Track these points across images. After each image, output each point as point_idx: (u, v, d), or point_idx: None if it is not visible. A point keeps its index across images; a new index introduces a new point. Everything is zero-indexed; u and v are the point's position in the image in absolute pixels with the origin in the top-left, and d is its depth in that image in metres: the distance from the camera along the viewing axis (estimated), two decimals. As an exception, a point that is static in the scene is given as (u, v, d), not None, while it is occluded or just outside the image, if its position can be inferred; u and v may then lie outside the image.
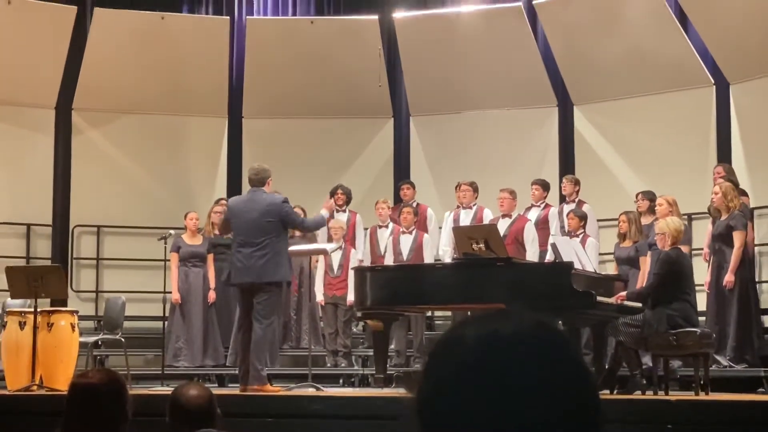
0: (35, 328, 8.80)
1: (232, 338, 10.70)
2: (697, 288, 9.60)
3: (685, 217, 10.21)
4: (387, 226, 11.26)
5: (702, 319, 9.21)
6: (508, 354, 1.22)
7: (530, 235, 10.54)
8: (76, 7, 12.65)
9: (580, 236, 10.16)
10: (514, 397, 1.20)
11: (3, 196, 12.51)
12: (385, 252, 11.05)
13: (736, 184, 9.82)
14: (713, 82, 11.69)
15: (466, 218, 11.10)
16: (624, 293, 8.29)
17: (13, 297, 9.49)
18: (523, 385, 1.20)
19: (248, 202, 8.72)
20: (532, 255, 10.33)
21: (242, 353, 8.69)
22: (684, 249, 9.45)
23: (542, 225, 10.83)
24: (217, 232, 11.25)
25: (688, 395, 7.88)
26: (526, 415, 1.19)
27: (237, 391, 8.61)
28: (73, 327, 9.09)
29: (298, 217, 8.99)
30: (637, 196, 10.46)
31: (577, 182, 11.19)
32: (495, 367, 1.21)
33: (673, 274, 7.95)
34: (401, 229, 11.00)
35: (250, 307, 8.59)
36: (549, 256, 9.85)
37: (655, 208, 9.83)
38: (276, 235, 8.53)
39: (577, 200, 11.04)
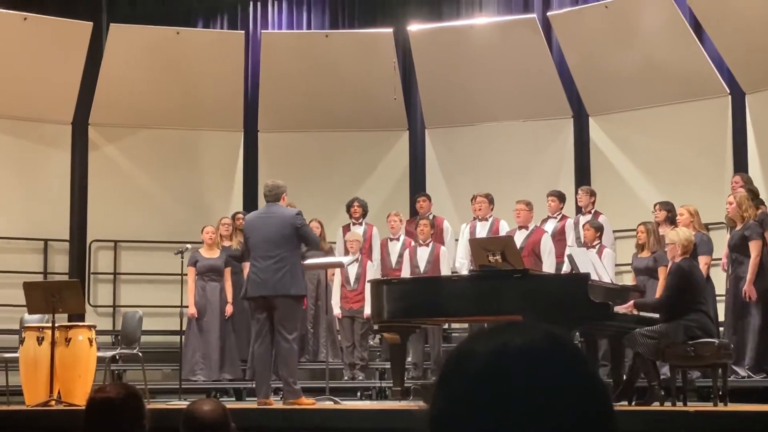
0: (53, 343, 8.82)
1: (250, 350, 10.74)
2: (717, 298, 9.59)
3: (705, 227, 10.15)
4: (398, 239, 11.26)
5: (720, 329, 9.17)
6: (519, 366, 1.21)
7: (547, 247, 10.52)
8: (91, 23, 12.72)
9: (597, 247, 10.14)
10: (525, 409, 1.19)
11: (20, 212, 12.57)
12: (397, 264, 11.06)
13: (756, 193, 9.77)
14: (729, 92, 11.66)
15: (482, 230, 11.09)
16: (632, 302, 8.25)
17: (30, 312, 9.51)
18: (534, 397, 1.19)
19: (264, 216, 8.75)
20: (548, 266, 10.31)
21: (260, 367, 8.70)
22: (705, 259, 9.43)
23: (558, 236, 10.81)
24: (225, 243, 11.33)
25: (707, 406, 7.85)
26: (538, 427, 1.19)
27: (255, 405, 8.61)
28: (90, 342, 9.11)
29: (312, 232, 9.00)
30: (654, 206, 10.43)
31: (592, 193, 11.17)
32: (505, 380, 1.21)
33: (686, 285, 7.91)
34: (414, 242, 10.99)
35: (267, 321, 8.60)
36: (566, 268, 9.84)
37: (677, 218, 9.79)
38: (291, 249, 8.56)
39: (593, 211, 11.02)
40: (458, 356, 1.27)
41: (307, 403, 8.47)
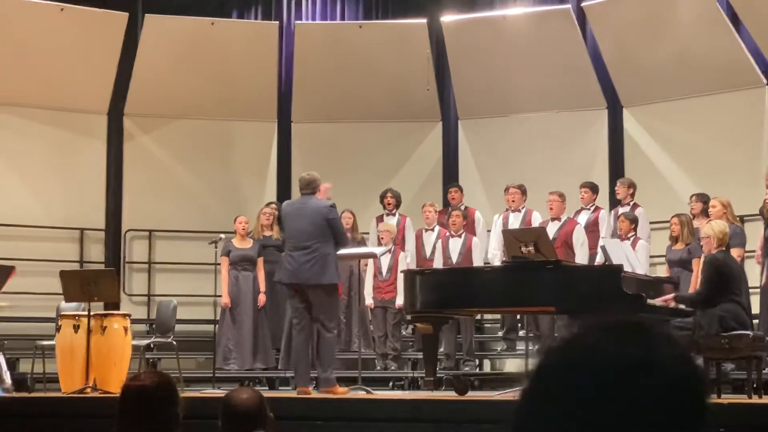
0: (89, 331, 8.91)
1: (284, 340, 10.78)
2: (751, 291, 9.52)
3: (738, 219, 10.09)
4: (433, 230, 11.28)
5: (755, 322, 9.11)
6: (642, 387, 1.11)
7: (580, 238, 10.49)
8: (127, 14, 12.78)
9: (632, 239, 10.10)
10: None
11: (57, 201, 12.68)
12: (431, 255, 11.07)
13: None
14: (766, 82, 11.56)
15: (515, 221, 11.07)
16: (672, 295, 8.22)
17: (67, 300, 9.61)
18: (647, 421, 1.10)
19: (299, 207, 8.91)
20: (581, 258, 10.28)
21: (299, 356, 8.80)
22: (738, 252, 9.36)
23: (592, 228, 10.77)
24: (266, 233, 11.37)
25: (741, 398, 7.81)
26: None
27: (288, 394, 8.66)
28: (125, 330, 9.18)
29: (342, 226, 9.16)
30: (690, 198, 10.38)
31: (631, 185, 11.08)
32: (623, 400, 1.11)
33: (721, 276, 7.87)
34: (448, 233, 11.00)
35: (305, 311, 8.76)
36: (599, 259, 9.81)
37: (709, 210, 9.74)
38: (324, 240, 8.71)
39: (632, 203, 10.94)
40: (569, 353, 1.16)
41: (341, 392, 8.55)
